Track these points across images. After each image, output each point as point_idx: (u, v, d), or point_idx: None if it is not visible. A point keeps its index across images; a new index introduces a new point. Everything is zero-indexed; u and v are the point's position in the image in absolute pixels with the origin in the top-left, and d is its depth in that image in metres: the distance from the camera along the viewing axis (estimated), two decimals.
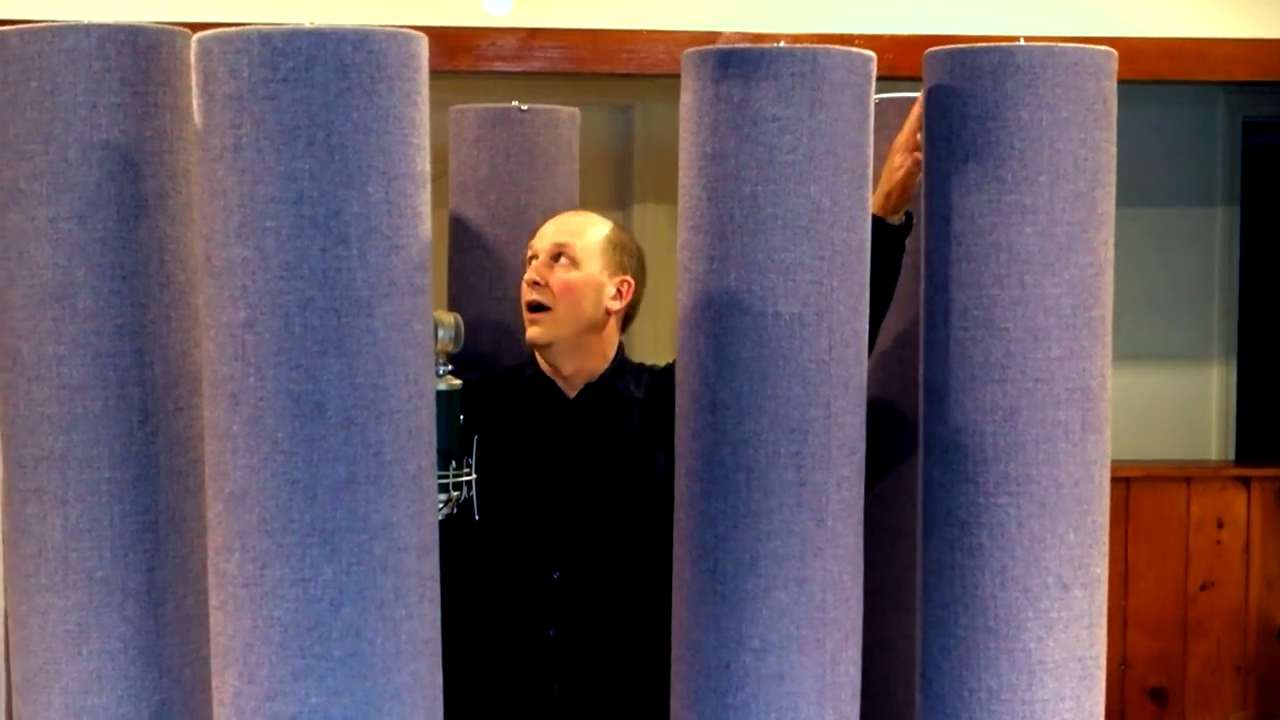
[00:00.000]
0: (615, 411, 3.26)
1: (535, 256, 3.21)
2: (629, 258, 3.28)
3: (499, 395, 3.24)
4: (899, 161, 2.82)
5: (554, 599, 3.23)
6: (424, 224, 2.11)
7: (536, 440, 3.25)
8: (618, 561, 3.23)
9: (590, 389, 3.27)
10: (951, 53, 2.40)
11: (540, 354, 3.26)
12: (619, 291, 3.25)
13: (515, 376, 3.32)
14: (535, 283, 3.18)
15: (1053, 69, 2.34)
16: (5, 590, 2.39)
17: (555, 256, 3.19)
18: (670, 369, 3.29)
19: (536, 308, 3.19)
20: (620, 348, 3.32)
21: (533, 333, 3.21)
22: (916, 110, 2.62)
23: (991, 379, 2.37)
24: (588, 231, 3.23)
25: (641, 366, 3.36)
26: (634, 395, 3.27)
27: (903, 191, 2.83)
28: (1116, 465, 2.51)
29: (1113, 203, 2.42)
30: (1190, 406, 6.08)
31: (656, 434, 3.19)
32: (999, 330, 2.36)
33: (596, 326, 3.24)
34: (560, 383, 3.28)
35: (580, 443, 3.25)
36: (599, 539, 3.23)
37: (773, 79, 2.27)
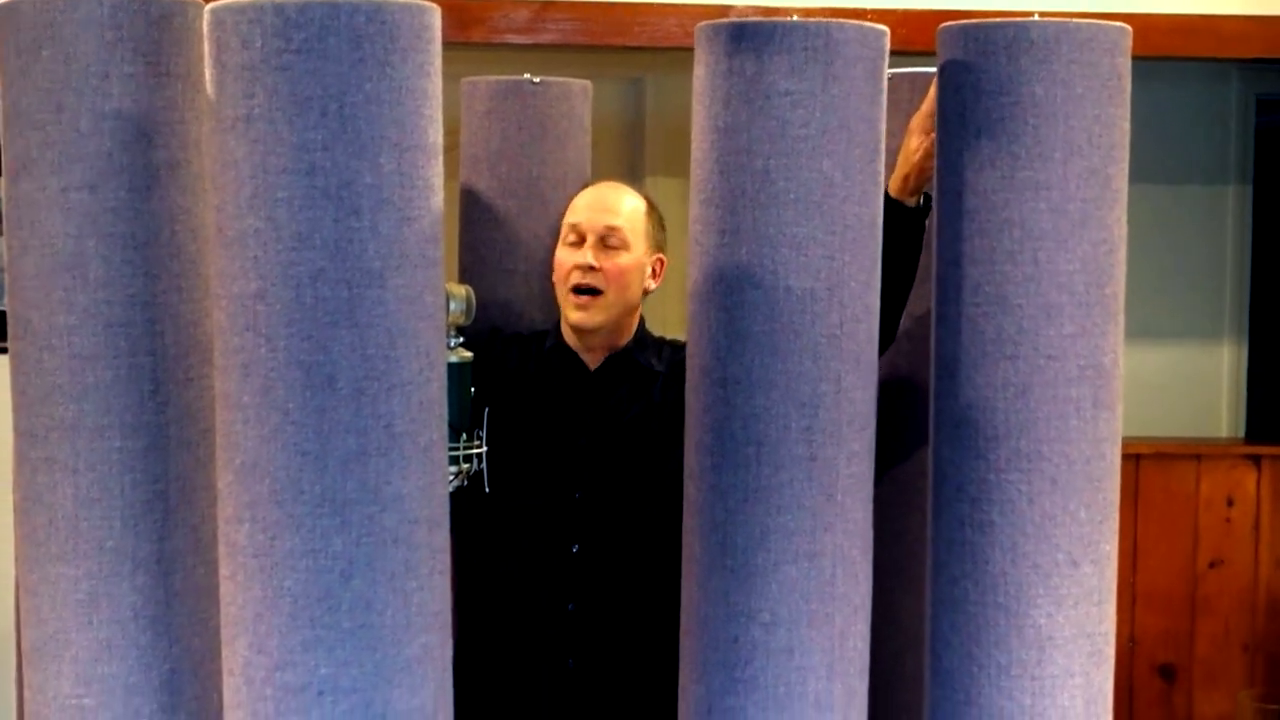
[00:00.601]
0: (636, 384, 3.26)
1: (580, 237, 3.19)
2: (661, 232, 3.29)
3: (520, 363, 3.24)
4: (916, 143, 2.81)
5: (573, 572, 3.23)
6: (436, 196, 2.10)
7: (557, 412, 3.25)
8: (637, 535, 3.23)
9: (612, 361, 3.27)
10: (965, 28, 2.39)
11: (580, 336, 3.24)
12: (654, 270, 3.26)
13: (535, 345, 3.31)
14: (590, 267, 3.17)
15: (1067, 45, 2.33)
16: (16, 559, 2.40)
17: (604, 238, 3.18)
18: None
19: (587, 291, 3.18)
20: (641, 320, 3.32)
21: (580, 317, 3.19)
22: (933, 91, 2.61)
23: (1003, 355, 2.37)
24: (634, 211, 3.22)
25: (661, 339, 3.36)
26: (655, 369, 3.26)
27: (920, 174, 2.82)
28: (1126, 442, 2.50)
29: (1126, 179, 2.41)
30: (1201, 384, 6.07)
31: (680, 407, 3.18)
32: (1011, 307, 2.36)
33: (635, 307, 3.25)
34: (583, 354, 3.27)
35: (601, 415, 3.25)
36: (619, 512, 3.23)
37: (785, 53, 2.27)
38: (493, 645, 3.22)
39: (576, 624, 3.22)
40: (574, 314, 3.19)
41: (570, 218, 3.22)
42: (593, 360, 3.28)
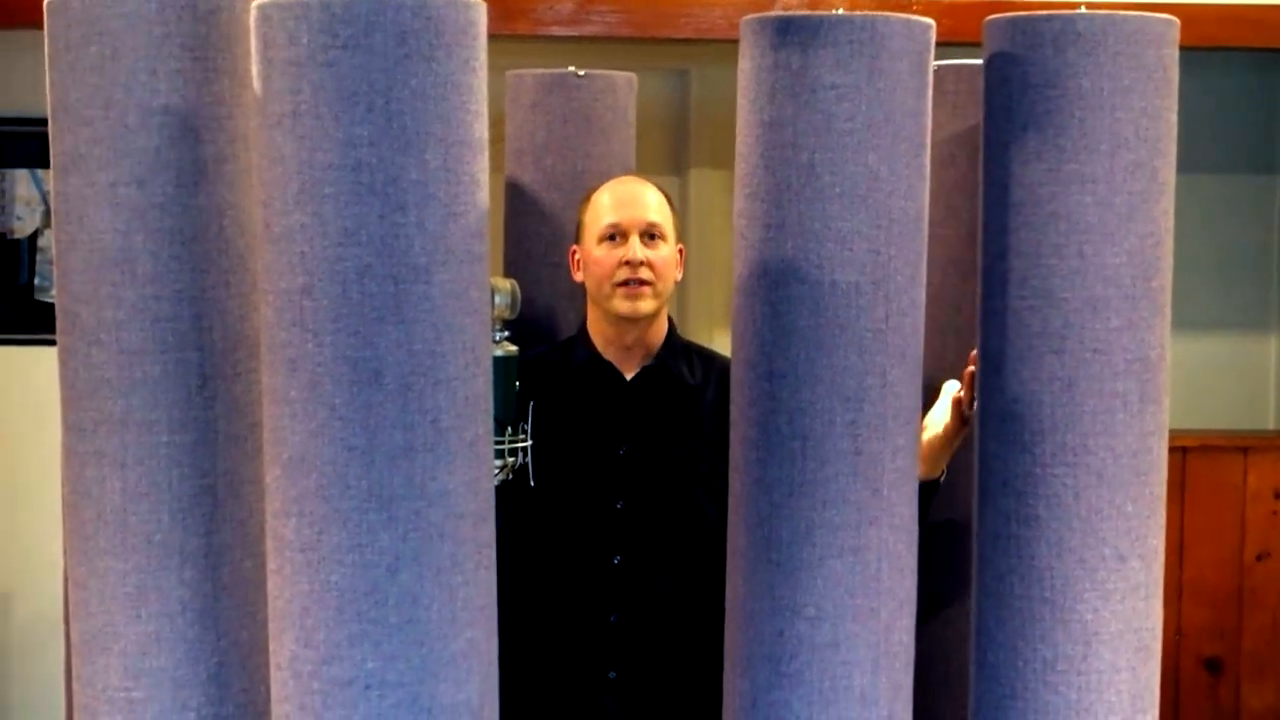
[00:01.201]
0: (673, 395, 3.27)
1: (622, 234, 3.19)
2: (677, 218, 3.30)
3: (552, 383, 3.23)
4: (955, 428, 2.89)
5: (615, 584, 3.23)
6: (482, 191, 2.11)
7: (595, 423, 3.25)
8: (679, 546, 3.23)
9: (648, 372, 3.27)
10: (1012, 20, 2.38)
11: (621, 334, 3.24)
12: (679, 260, 3.27)
13: (563, 360, 3.31)
14: (642, 262, 3.17)
15: (1114, 37, 2.32)
16: (65, 552, 2.41)
17: (645, 233, 3.19)
18: (726, 366, 3.29)
19: (638, 283, 3.19)
20: (671, 323, 3.32)
21: (631, 307, 3.19)
22: (971, 371, 2.70)
23: (1049, 349, 2.36)
24: (661, 204, 3.25)
25: (689, 346, 3.36)
26: (689, 382, 3.27)
27: (947, 447, 2.91)
28: (1173, 435, 2.49)
29: (1173, 172, 2.40)
30: (1248, 376, 6.03)
31: (716, 421, 3.18)
32: (1057, 300, 2.35)
33: (670, 297, 3.26)
34: (618, 364, 3.27)
35: (640, 425, 3.25)
36: (660, 523, 3.23)
37: (831, 46, 2.26)
38: (533, 655, 3.21)
39: (618, 635, 3.22)
40: (623, 305, 3.19)
41: (607, 218, 3.20)
42: (628, 370, 3.27)
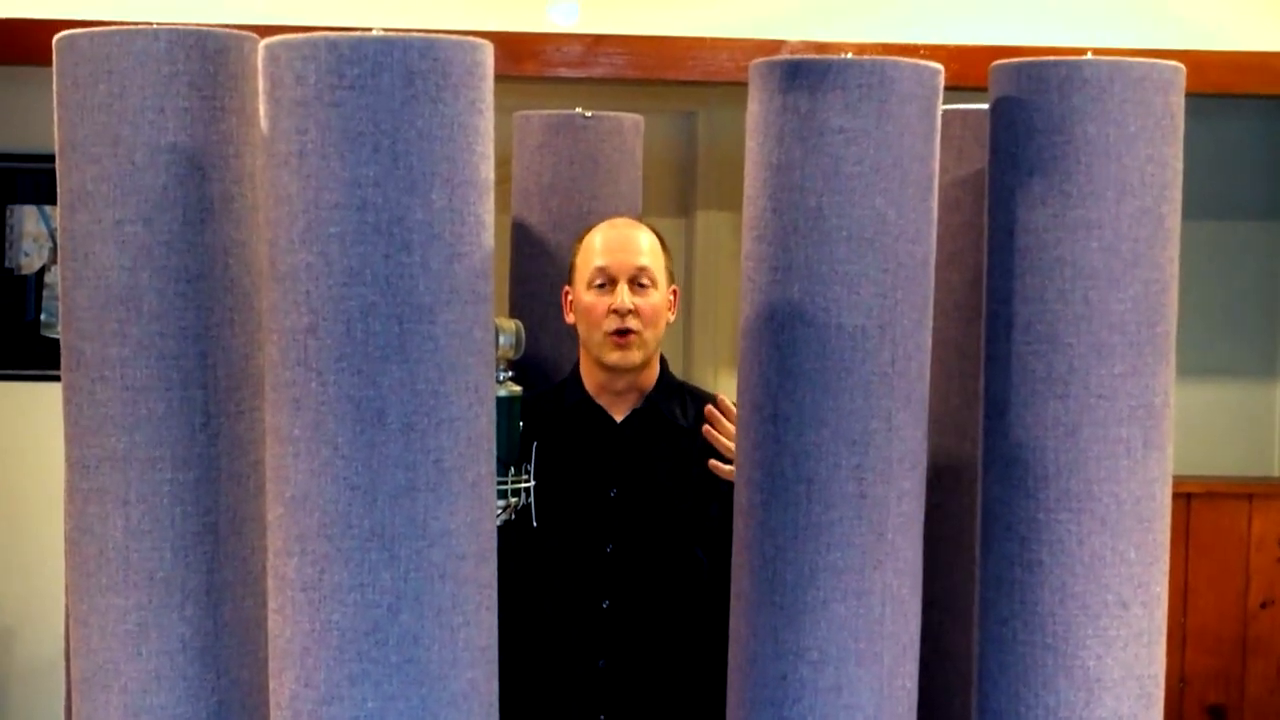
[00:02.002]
0: (663, 437, 3.25)
1: (611, 280, 3.17)
2: (670, 260, 3.28)
3: (543, 427, 3.18)
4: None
5: (604, 629, 3.21)
6: (487, 232, 2.11)
7: (586, 466, 3.24)
8: (669, 591, 3.22)
9: (638, 414, 3.26)
10: (1018, 65, 2.38)
11: (610, 380, 3.23)
12: (671, 303, 3.25)
13: (554, 403, 3.29)
14: (630, 310, 3.16)
15: (1120, 83, 2.32)
16: (66, 589, 2.41)
17: (635, 279, 3.18)
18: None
19: (625, 332, 3.18)
20: (664, 362, 3.31)
21: (619, 357, 3.18)
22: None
23: (1053, 394, 2.36)
24: (653, 247, 3.22)
25: (683, 386, 3.35)
26: (680, 424, 3.25)
27: None
28: (1177, 481, 2.49)
29: (1178, 218, 2.40)
30: (1253, 423, 6.03)
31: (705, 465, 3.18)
32: (1062, 345, 2.35)
33: (661, 341, 3.25)
34: (608, 407, 3.26)
35: (630, 469, 3.24)
36: (650, 568, 3.21)
37: (840, 90, 2.27)
38: (524, 699, 3.19)
39: (608, 680, 3.21)
40: (613, 355, 3.18)
41: (596, 261, 3.19)
42: (618, 412, 3.27)
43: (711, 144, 5.90)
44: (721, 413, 3.04)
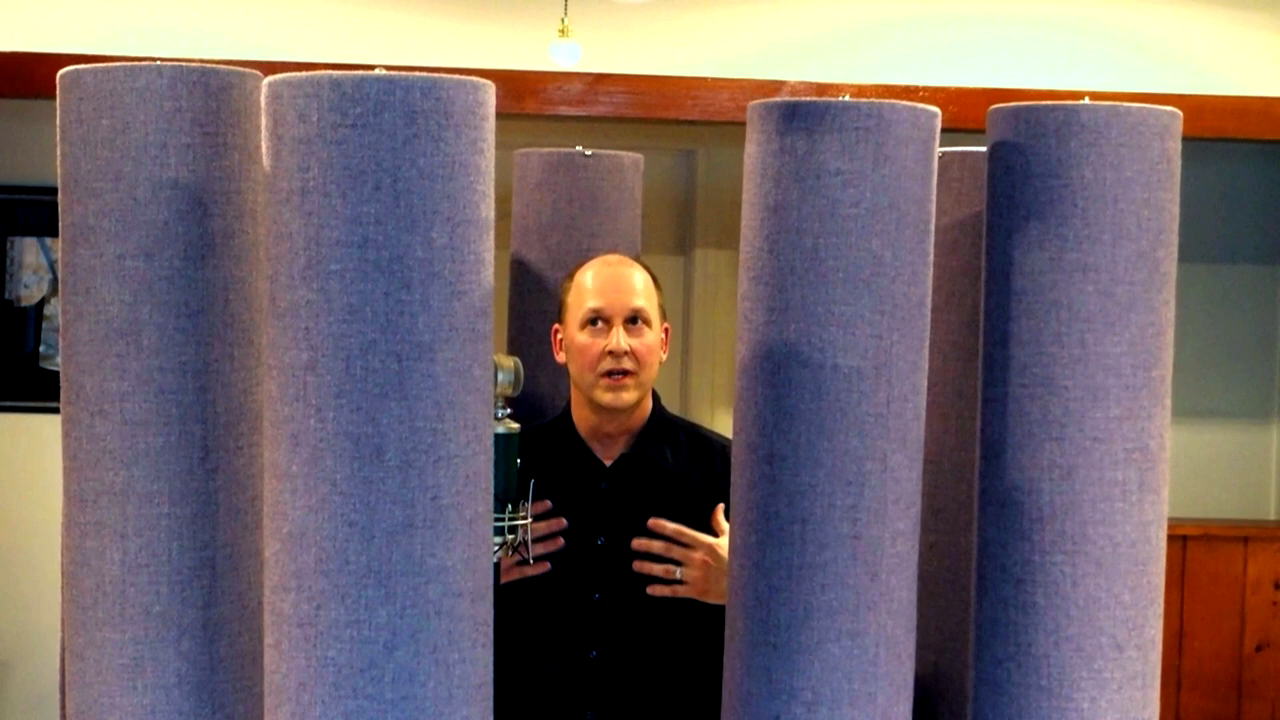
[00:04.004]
0: (653, 482, 3.22)
1: (604, 319, 3.15)
2: (662, 297, 3.26)
3: (538, 461, 3.12)
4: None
5: (591, 677, 3.19)
6: (487, 270, 2.12)
7: (573, 512, 3.20)
8: (657, 639, 3.19)
9: (625, 459, 3.24)
10: (1016, 110, 2.40)
11: (602, 421, 3.22)
12: (664, 340, 3.24)
13: (544, 443, 3.25)
14: (626, 352, 3.14)
15: (1117, 128, 2.34)
16: (63, 623, 2.41)
17: (629, 319, 3.17)
18: (712, 445, 3.27)
19: (621, 373, 3.17)
20: (656, 398, 3.29)
21: (613, 399, 3.15)
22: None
23: (1049, 437, 2.37)
24: (647, 286, 3.19)
25: (676, 424, 3.33)
26: (670, 468, 3.23)
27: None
28: (1173, 523, 2.50)
29: (1174, 262, 2.41)
30: (1249, 465, 6.04)
31: (697, 509, 3.16)
32: (1058, 388, 2.36)
33: (654, 380, 3.23)
34: (598, 450, 3.24)
35: (618, 515, 3.21)
36: (638, 615, 3.18)
37: (837, 132, 2.28)
38: None
39: None
40: (607, 396, 3.15)
41: (590, 302, 3.16)
42: (608, 455, 3.25)
43: (710, 182, 5.92)
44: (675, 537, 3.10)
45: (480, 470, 2.12)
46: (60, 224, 2.35)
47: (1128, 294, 2.35)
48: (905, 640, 2.38)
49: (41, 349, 5.69)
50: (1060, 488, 2.36)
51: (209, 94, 2.29)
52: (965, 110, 4.52)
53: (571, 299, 3.20)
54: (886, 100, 2.31)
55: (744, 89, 4.95)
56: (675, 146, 5.91)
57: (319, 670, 2.06)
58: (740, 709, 2.36)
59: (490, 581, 2.18)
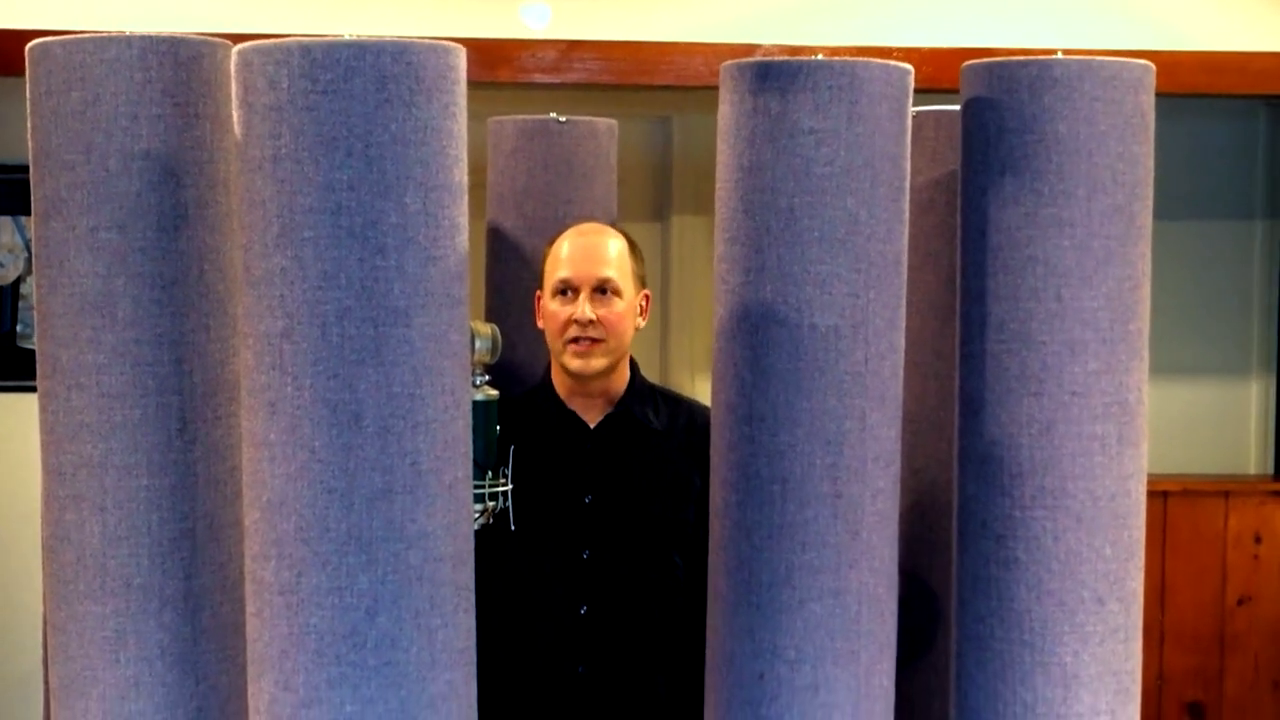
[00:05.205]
0: (637, 441, 3.25)
1: (572, 289, 3.17)
2: (641, 265, 3.27)
3: (521, 426, 3.14)
4: None
5: (582, 634, 3.21)
6: (461, 235, 2.11)
7: (560, 472, 3.24)
8: (646, 594, 3.22)
9: (611, 419, 3.26)
10: (989, 65, 2.40)
11: (579, 385, 3.24)
12: (642, 308, 3.25)
13: (527, 409, 3.27)
14: (590, 320, 3.16)
15: (1090, 82, 2.33)
16: (44, 596, 2.41)
17: (597, 289, 3.17)
18: (693, 409, 3.28)
19: (589, 340, 3.18)
20: (634, 366, 3.31)
21: (580, 364, 3.17)
22: None
23: (1027, 392, 2.37)
24: (620, 255, 3.20)
25: (654, 389, 3.36)
26: (653, 426, 3.26)
27: None
28: (1153, 479, 2.50)
29: (1150, 216, 2.41)
30: (1229, 421, 6.05)
31: (681, 467, 3.18)
32: (1035, 343, 2.36)
33: (628, 347, 3.24)
34: (581, 412, 3.26)
35: (605, 474, 3.24)
36: (627, 572, 3.21)
37: (810, 91, 2.27)
38: (503, 704, 3.18)
39: (586, 686, 3.21)
40: (574, 362, 3.18)
41: (560, 272, 3.19)
42: (592, 417, 3.27)
43: (686, 149, 5.91)
44: None
45: (459, 435, 2.12)
46: (32, 198, 2.33)
47: (1104, 248, 2.35)
48: (887, 598, 2.38)
49: (19, 328, 5.67)
50: (1039, 443, 2.37)
51: (179, 64, 2.28)
52: (939, 71, 4.51)
53: (548, 267, 3.23)
54: (859, 59, 2.31)
55: (718, 54, 4.93)
56: (650, 114, 5.89)
57: (301, 638, 2.06)
58: (724, 668, 2.37)
59: (471, 547, 2.18)
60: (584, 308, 3.15)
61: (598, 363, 3.18)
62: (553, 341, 3.21)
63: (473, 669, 2.18)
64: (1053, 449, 2.36)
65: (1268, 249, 6.05)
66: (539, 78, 5.03)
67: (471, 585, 2.17)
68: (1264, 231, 6.05)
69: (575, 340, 3.17)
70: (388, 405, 2.04)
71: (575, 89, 5.13)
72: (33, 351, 2.37)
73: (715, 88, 2.42)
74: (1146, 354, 2.42)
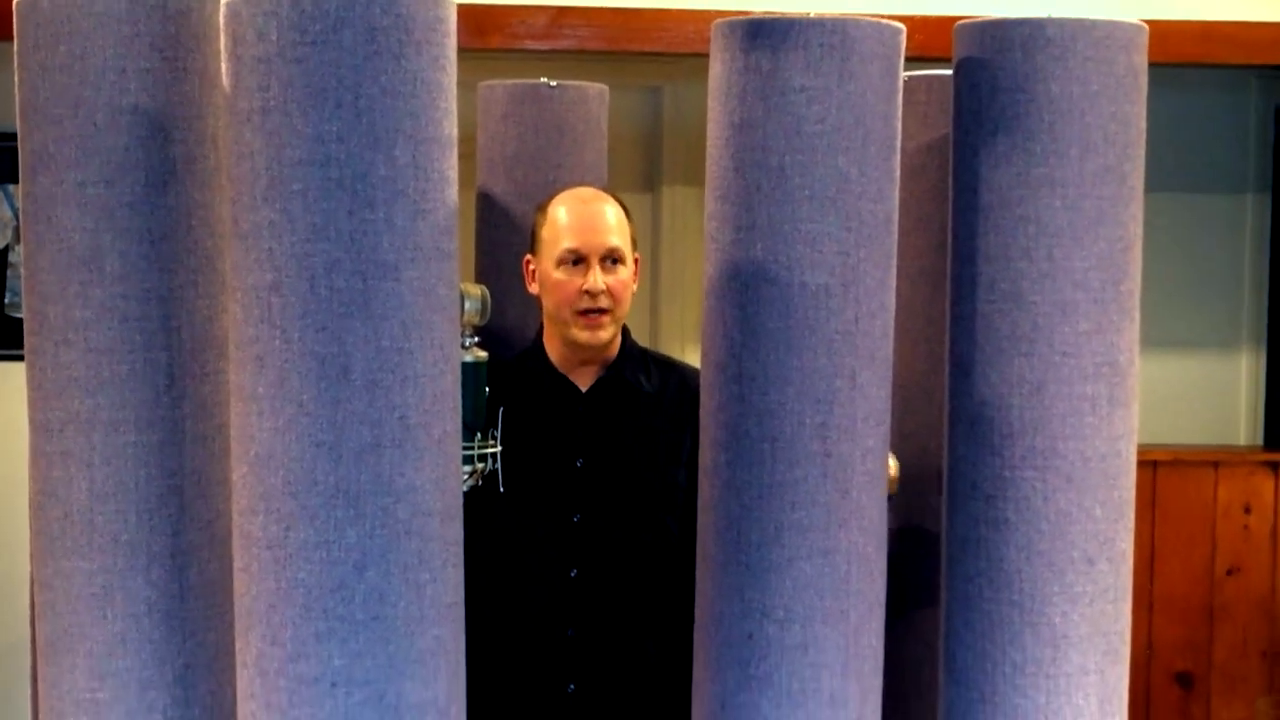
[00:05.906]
0: (629, 405, 3.25)
1: (581, 259, 3.15)
2: (634, 227, 3.26)
3: (511, 390, 3.14)
4: None
5: (572, 598, 3.21)
6: (451, 188, 2.11)
7: (552, 435, 3.23)
8: (637, 558, 3.22)
9: (603, 383, 3.25)
10: (981, 25, 2.39)
11: (578, 354, 3.23)
12: (635, 271, 3.24)
13: (520, 369, 3.27)
14: (603, 291, 3.14)
15: (1083, 42, 2.33)
16: (31, 554, 2.40)
17: (605, 258, 3.16)
18: (684, 373, 3.28)
19: (599, 311, 3.17)
20: (625, 329, 3.30)
21: (591, 336, 3.16)
22: None
23: (1018, 352, 2.37)
24: (620, 221, 3.19)
25: (646, 353, 3.35)
26: (645, 389, 3.25)
27: None
28: (1144, 449, 2.50)
29: (1142, 177, 2.41)
30: (1219, 392, 6.05)
31: (673, 431, 3.18)
32: (1026, 304, 2.36)
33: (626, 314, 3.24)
34: (572, 376, 3.25)
35: (596, 437, 3.24)
36: (618, 535, 3.21)
37: (801, 49, 2.27)
38: (492, 668, 3.18)
39: (576, 649, 3.21)
40: (584, 335, 3.16)
41: (566, 241, 3.15)
42: (583, 381, 3.26)
43: (677, 119, 5.90)
44: None
45: (447, 389, 2.11)
46: (20, 152, 2.33)
47: (1095, 208, 2.35)
48: (877, 558, 2.38)
49: (8, 297, 5.65)
50: (1030, 403, 2.36)
51: (167, 18, 2.27)
52: (932, 39, 4.49)
53: (546, 234, 3.18)
54: (851, 16, 2.30)
55: (709, 20, 4.91)
56: (642, 83, 5.88)
57: (289, 592, 2.06)
58: (713, 628, 2.36)
59: (460, 501, 2.17)
60: (596, 278, 3.13)
61: (606, 334, 3.18)
62: (558, 310, 3.18)
63: (461, 625, 2.17)
64: (1043, 409, 2.36)
65: (1259, 222, 6.05)
66: (529, 44, 5.02)
67: (460, 540, 2.17)
68: (1255, 204, 6.05)
69: (585, 312, 3.15)
70: (376, 359, 2.03)
71: (566, 56, 5.11)
72: (21, 321, 2.36)
73: (706, 55, 2.41)
74: (1138, 315, 2.42)
